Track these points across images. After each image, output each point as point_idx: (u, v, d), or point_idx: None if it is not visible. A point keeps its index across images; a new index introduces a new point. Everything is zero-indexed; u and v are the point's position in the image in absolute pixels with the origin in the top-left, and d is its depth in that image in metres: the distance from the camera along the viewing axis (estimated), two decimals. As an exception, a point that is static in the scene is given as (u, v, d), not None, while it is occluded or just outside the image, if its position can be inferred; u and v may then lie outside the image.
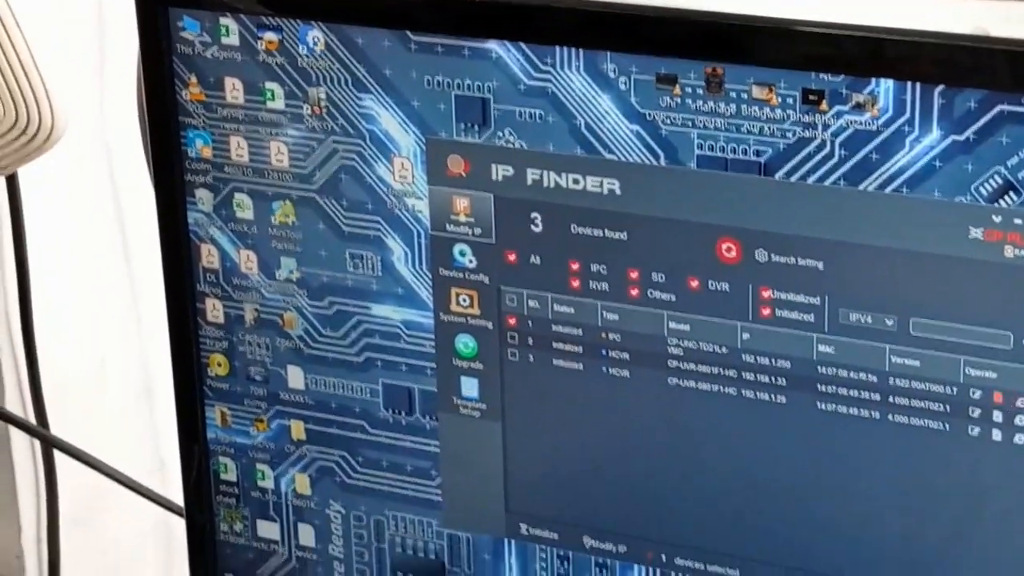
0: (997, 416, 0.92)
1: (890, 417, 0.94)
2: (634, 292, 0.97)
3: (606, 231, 0.96)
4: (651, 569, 1.02)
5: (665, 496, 1.00)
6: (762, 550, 1.00)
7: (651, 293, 0.96)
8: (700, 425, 0.98)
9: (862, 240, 0.91)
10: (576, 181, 0.96)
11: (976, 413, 0.92)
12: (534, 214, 0.97)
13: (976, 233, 0.89)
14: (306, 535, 1.09)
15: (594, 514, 1.02)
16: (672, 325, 0.96)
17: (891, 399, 0.93)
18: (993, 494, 0.93)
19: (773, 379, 0.95)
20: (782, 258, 0.93)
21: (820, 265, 0.93)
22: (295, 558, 1.10)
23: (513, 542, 1.04)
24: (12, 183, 1.25)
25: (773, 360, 0.95)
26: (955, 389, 0.92)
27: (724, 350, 0.96)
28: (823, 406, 0.95)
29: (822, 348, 0.94)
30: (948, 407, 0.92)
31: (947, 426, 0.93)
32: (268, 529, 1.10)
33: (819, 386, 0.94)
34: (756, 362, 0.95)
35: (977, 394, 0.92)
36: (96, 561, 1.37)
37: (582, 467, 1.02)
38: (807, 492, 0.97)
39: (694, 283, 0.95)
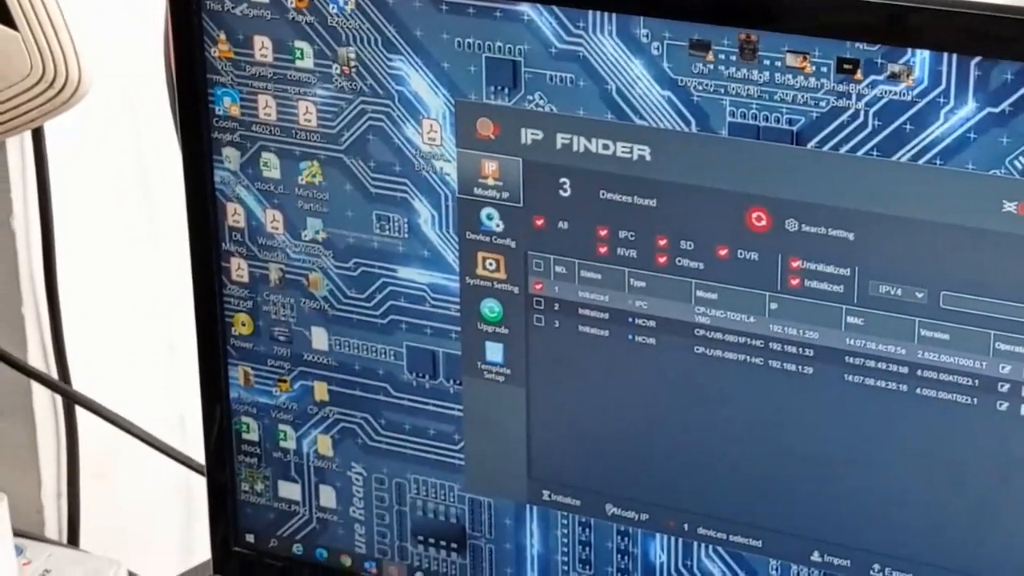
0: (1025, 392, 0.92)
1: (918, 391, 0.94)
2: (662, 260, 0.97)
3: (635, 197, 0.96)
4: (673, 538, 1.03)
5: (688, 465, 1.01)
6: (785, 521, 1.00)
7: (679, 261, 0.97)
8: (726, 395, 0.98)
9: (894, 212, 0.92)
10: (606, 147, 0.96)
11: (1005, 388, 0.92)
12: (563, 179, 0.98)
13: (1010, 207, 0.89)
14: (327, 497, 1.09)
15: (616, 482, 1.03)
16: (699, 294, 0.97)
17: (919, 373, 0.94)
18: (1020, 469, 0.93)
19: (801, 350, 0.96)
20: (812, 228, 0.93)
21: (851, 236, 0.93)
22: (316, 519, 1.10)
23: (535, 508, 1.05)
24: (38, 137, 1.26)
25: (801, 331, 0.95)
26: (984, 363, 0.92)
27: (751, 320, 0.96)
28: (851, 378, 0.95)
29: (851, 320, 0.94)
30: (977, 381, 0.93)
31: (975, 400, 0.93)
32: (289, 490, 1.10)
33: (847, 358, 0.95)
34: (784, 333, 0.96)
35: (1006, 369, 0.92)
36: (116, 517, 1.37)
37: (606, 435, 1.02)
38: (832, 464, 0.98)
39: (723, 252, 0.96)
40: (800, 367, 0.96)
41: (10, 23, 1.16)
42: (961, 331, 0.93)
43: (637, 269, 0.98)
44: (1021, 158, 0.89)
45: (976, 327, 0.92)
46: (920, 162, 0.91)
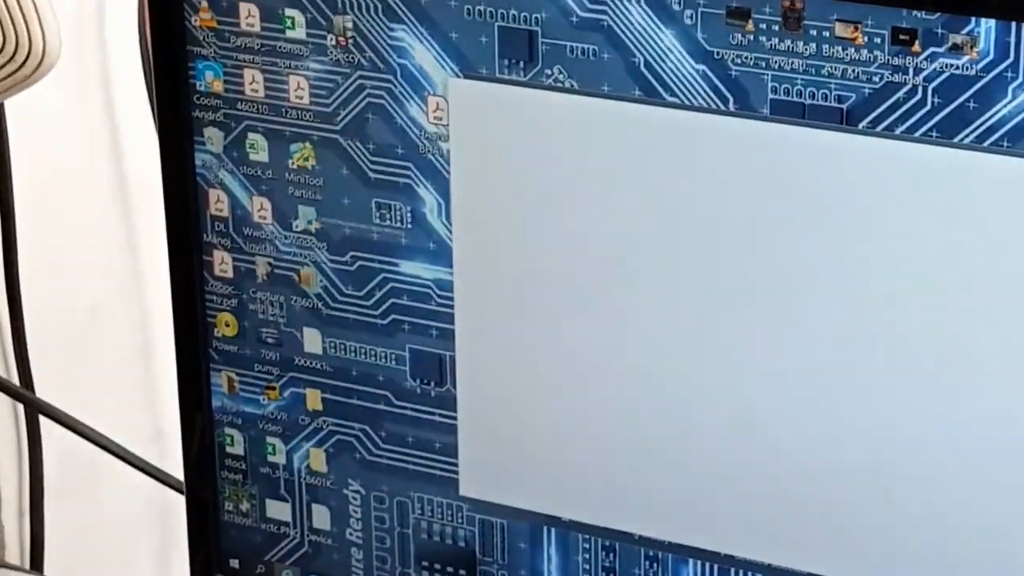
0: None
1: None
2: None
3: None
4: (708, 563, 1.01)
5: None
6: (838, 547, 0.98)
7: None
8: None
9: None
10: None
11: None
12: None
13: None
14: (321, 517, 1.09)
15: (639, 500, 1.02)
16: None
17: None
18: None
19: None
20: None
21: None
22: (308, 542, 1.10)
23: (552, 530, 1.04)
24: (-1, 117, 1.27)
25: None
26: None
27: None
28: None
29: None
30: None
31: None
32: (278, 510, 1.10)
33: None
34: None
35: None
36: (84, 538, 1.38)
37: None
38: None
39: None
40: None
41: (-32, -9, 1.14)
42: None
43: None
44: (1097, 140, 0.91)
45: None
46: (985, 143, 0.90)
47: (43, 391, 1.32)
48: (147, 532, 1.39)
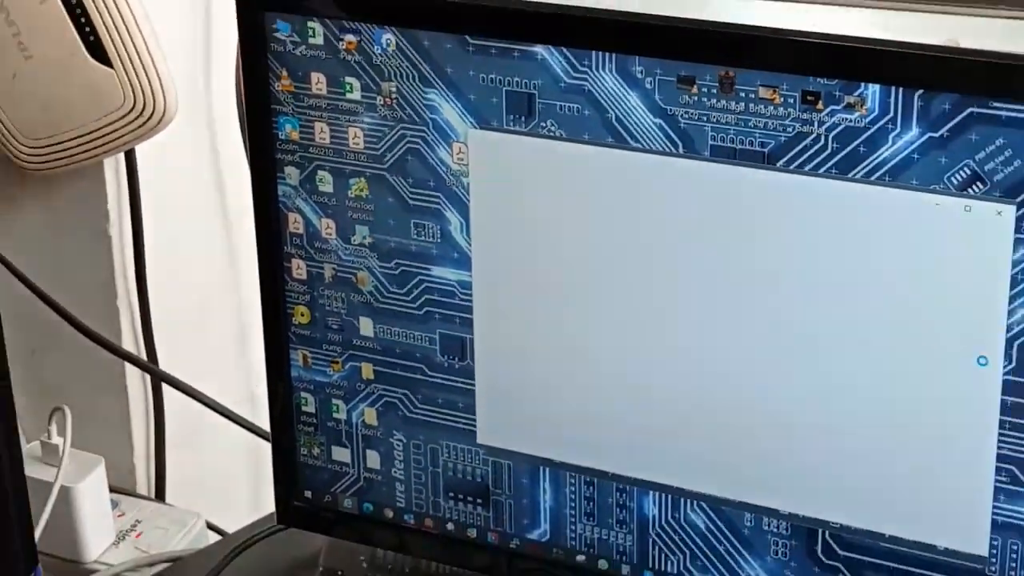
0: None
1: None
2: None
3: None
4: (663, 494, 1.02)
5: (675, 430, 1.00)
6: (757, 480, 0.99)
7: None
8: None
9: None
10: (607, 165, 0.96)
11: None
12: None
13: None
14: (372, 460, 1.09)
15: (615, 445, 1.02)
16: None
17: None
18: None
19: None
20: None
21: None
22: (363, 479, 1.10)
23: (547, 469, 1.04)
24: (130, 157, 1.26)
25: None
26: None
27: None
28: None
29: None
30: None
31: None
32: (341, 454, 1.09)
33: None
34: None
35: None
36: (196, 477, 1.37)
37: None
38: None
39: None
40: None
41: (106, 61, 1.17)
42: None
43: (633, 268, 0.97)
44: (957, 176, 0.89)
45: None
46: (872, 179, 0.90)
47: (165, 364, 1.32)
48: (243, 472, 1.39)
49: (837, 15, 1.24)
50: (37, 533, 1.12)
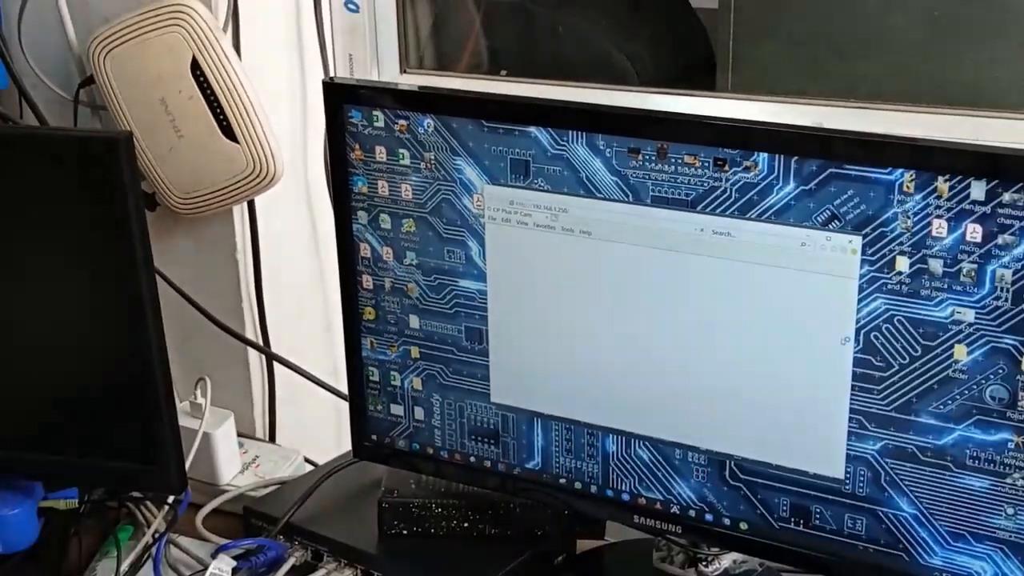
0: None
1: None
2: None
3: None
4: (619, 436, 1.00)
5: (623, 385, 1.00)
6: (674, 424, 0.99)
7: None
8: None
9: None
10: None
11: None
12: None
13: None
14: (419, 413, 1.07)
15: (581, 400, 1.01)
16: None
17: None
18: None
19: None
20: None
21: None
22: (412, 426, 1.08)
23: (539, 420, 1.03)
24: (251, 205, 1.25)
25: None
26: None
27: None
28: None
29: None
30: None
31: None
32: (396, 409, 1.08)
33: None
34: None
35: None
36: (297, 426, 1.35)
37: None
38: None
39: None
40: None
41: (234, 139, 1.17)
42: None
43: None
44: (820, 216, 0.89)
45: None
46: (762, 218, 0.90)
47: (275, 347, 1.30)
48: (330, 422, 1.35)
49: (740, 105, 1.26)
50: (188, 464, 1.12)
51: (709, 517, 0.99)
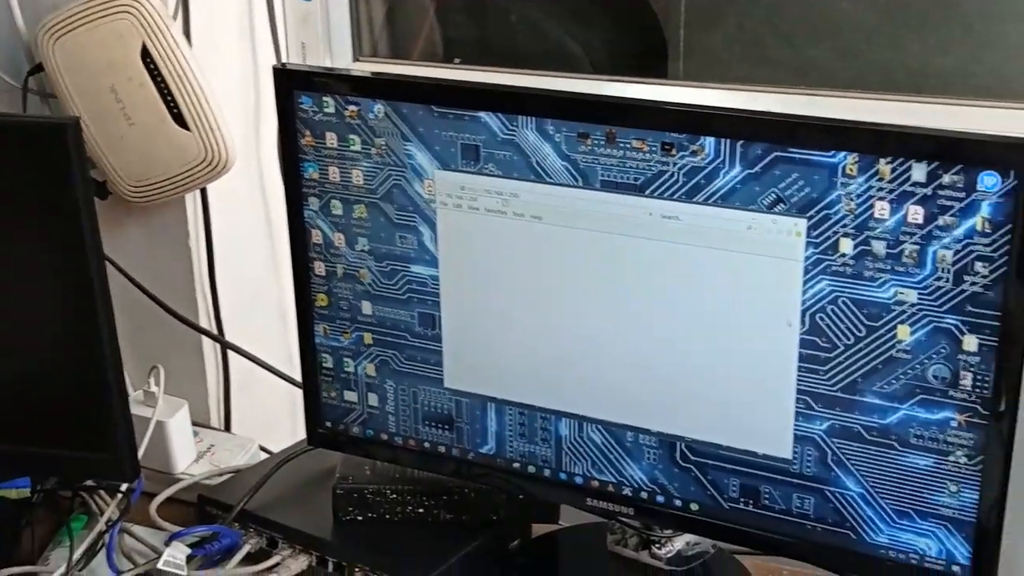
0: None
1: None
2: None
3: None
4: (571, 420, 1.01)
5: (574, 372, 1.00)
6: (624, 407, 0.99)
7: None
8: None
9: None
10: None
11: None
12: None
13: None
14: (373, 399, 1.07)
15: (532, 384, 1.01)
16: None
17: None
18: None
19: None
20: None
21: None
22: (366, 412, 1.08)
23: (492, 404, 1.03)
24: (204, 193, 1.24)
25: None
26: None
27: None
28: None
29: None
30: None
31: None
32: (350, 396, 1.08)
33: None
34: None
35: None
36: (252, 414, 1.35)
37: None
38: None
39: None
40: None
41: (185, 126, 1.17)
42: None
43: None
44: (766, 199, 0.89)
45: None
46: (708, 202, 0.90)
47: (229, 336, 1.29)
48: (284, 410, 1.35)
49: (692, 93, 1.27)
50: (140, 454, 1.12)
51: (661, 499, 1.00)
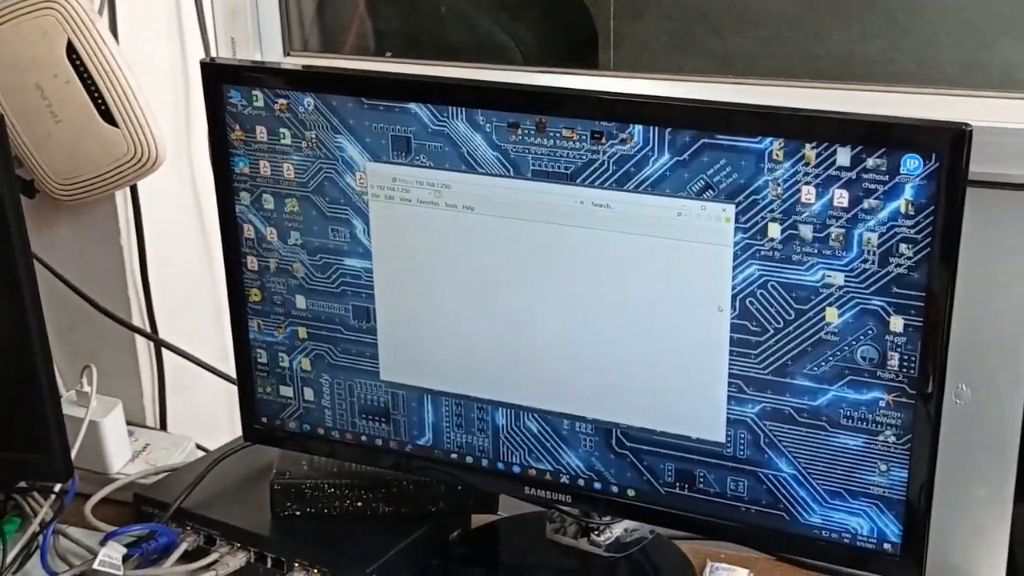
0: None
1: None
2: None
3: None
4: (508, 409, 1.01)
5: (507, 360, 1.00)
6: (558, 394, 0.99)
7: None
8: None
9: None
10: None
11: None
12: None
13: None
14: (308, 394, 1.07)
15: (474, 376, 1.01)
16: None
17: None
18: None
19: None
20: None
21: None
22: (302, 407, 1.08)
23: (429, 396, 1.04)
24: (134, 190, 1.24)
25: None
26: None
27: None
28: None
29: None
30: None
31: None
32: (286, 391, 1.08)
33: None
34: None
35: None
36: (187, 412, 1.34)
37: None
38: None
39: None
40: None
41: (113, 123, 1.15)
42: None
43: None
44: (694, 186, 0.90)
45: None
46: (639, 189, 0.91)
47: (163, 334, 1.28)
48: (220, 407, 1.34)
49: (621, 83, 1.28)
50: (73, 454, 1.11)
51: (598, 485, 1.00)
